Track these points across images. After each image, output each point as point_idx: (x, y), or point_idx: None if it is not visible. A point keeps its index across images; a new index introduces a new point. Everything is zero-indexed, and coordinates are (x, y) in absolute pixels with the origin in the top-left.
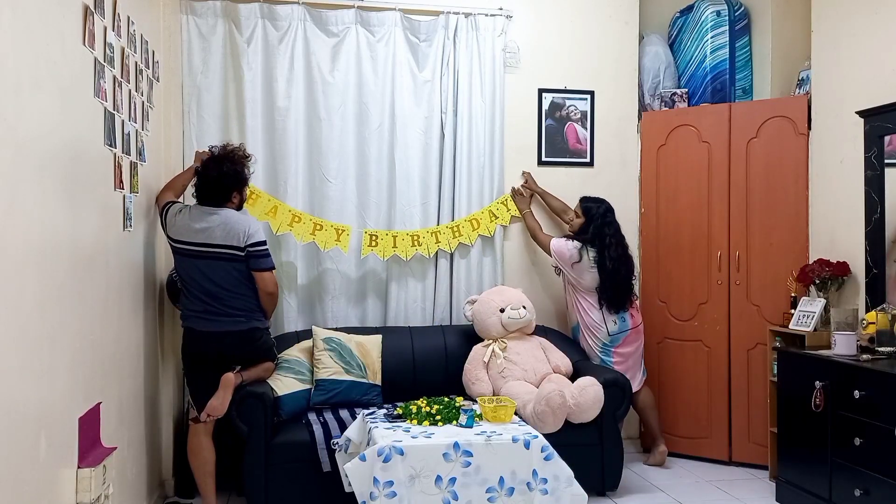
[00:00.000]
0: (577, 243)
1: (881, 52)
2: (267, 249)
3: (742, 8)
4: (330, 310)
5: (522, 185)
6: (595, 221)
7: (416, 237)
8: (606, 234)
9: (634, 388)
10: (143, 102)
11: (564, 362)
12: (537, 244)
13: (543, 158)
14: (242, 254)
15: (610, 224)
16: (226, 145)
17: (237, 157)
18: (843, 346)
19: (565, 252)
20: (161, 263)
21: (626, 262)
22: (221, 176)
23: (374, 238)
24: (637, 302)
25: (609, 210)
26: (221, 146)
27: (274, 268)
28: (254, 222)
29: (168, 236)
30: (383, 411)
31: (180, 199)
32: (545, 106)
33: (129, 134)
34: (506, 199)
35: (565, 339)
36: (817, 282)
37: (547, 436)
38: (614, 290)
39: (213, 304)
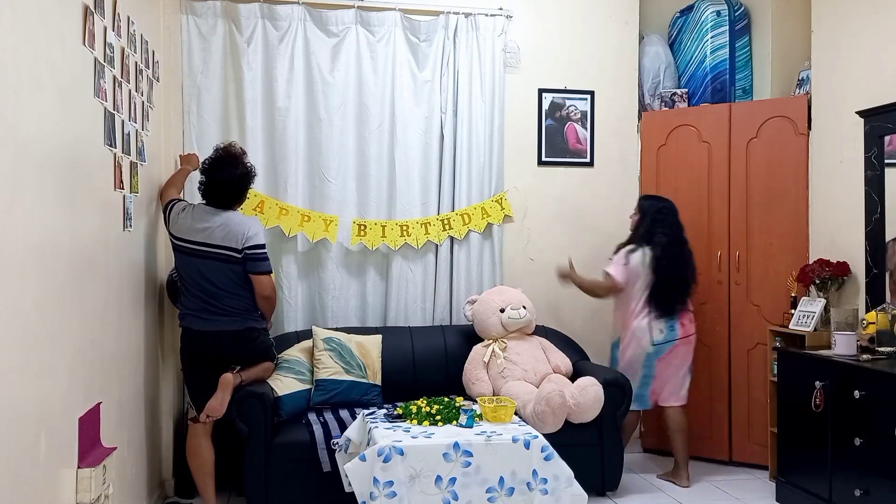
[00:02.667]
0: (624, 252)
1: (881, 52)
2: (265, 253)
3: (742, 8)
4: (330, 310)
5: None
6: (645, 220)
7: (405, 227)
8: (657, 232)
9: (673, 403)
10: (143, 102)
11: (564, 362)
12: (610, 294)
13: (543, 158)
14: (239, 256)
15: (662, 222)
16: (228, 146)
17: (239, 156)
18: (843, 346)
19: (624, 270)
20: (161, 263)
21: (680, 266)
22: (235, 180)
23: (362, 228)
24: (691, 311)
25: (663, 209)
26: (222, 148)
27: (271, 272)
28: (254, 225)
29: (170, 233)
30: (383, 411)
31: (183, 196)
32: (545, 106)
33: (129, 134)
34: (500, 198)
35: (565, 339)
36: (817, 282)
37: (547, 436)
38: (661, 291)
39: (209, 303)
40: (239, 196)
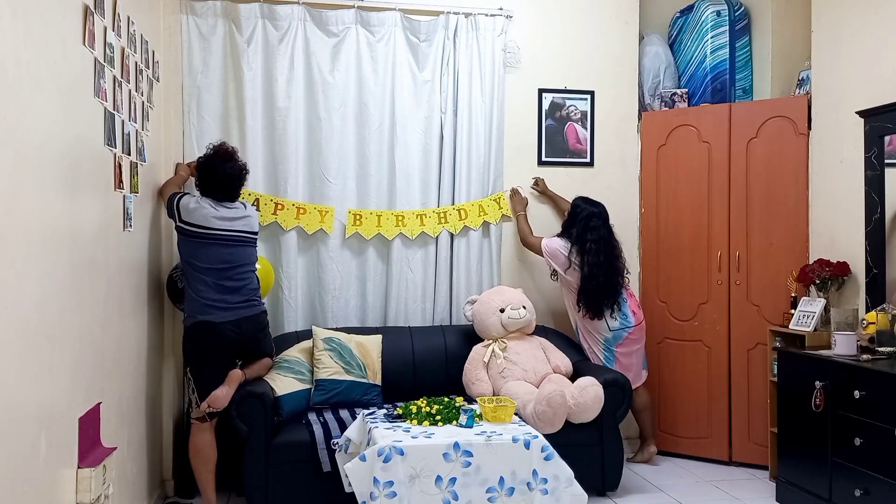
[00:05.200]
0: (566, 243)
1: (881, 52)
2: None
3: (742, 8)
4: (330, 310)
5: (533, 187)
6: (577, 224)
7: (400, 217)
8: (587, 239)
9: (635, 385)
10: (143, 102)
11: (564, 362)
12: (527, 247)
13: (543, 158)
14: (257, 236)
15: (593, 229)
16: (221, 144)
17: (233, 152)
18: (843, 346)
19: (559, 253)
20: (162, 263)
21: (606, 272)
22: (241, 173)
23: (357, 217)
24: (636, 298)
25: (594, 215)
26: (216, 146)
27: None
28: (255, 211)
29: (185, 223)
30: (383, 411)
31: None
32: (545, 106)
33: (129, 134)
34: (498, 197)
35: (565, 339)
36: (817, 282)
37: (547, 436)
38: (587, 295)
39: (229, 288)
40: (241, 187)
